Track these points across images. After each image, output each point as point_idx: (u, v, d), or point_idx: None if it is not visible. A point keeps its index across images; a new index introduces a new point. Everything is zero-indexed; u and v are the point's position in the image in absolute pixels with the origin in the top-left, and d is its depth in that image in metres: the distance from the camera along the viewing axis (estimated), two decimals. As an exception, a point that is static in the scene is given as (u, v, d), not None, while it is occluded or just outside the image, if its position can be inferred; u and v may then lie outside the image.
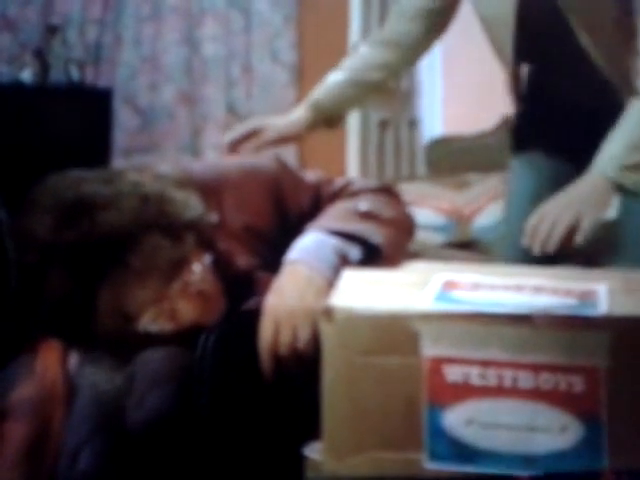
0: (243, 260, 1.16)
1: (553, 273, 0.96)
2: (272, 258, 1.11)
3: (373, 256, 1.10)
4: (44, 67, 3.12)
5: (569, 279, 0.93)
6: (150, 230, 1.06)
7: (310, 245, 1.07)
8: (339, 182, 1.24)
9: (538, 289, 0.88)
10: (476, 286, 0.89)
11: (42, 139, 2.93)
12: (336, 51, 3.46)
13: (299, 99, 3.57)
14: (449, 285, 0.89)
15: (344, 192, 1.22)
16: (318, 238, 1.08)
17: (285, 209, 1.19)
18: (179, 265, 1.08)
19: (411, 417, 0.81)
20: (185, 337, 1.06)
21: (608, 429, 0.78)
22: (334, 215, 1.15)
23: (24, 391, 0.97)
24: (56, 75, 3.17)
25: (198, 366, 0.99)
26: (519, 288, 0.88)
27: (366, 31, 3.41)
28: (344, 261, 1.06)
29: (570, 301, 0.84)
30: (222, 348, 1.00)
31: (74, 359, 1.04)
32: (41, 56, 3.12)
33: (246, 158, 1.29)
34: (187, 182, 1.15)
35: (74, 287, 1.03)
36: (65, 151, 2.84)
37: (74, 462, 0.94)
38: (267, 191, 1.17)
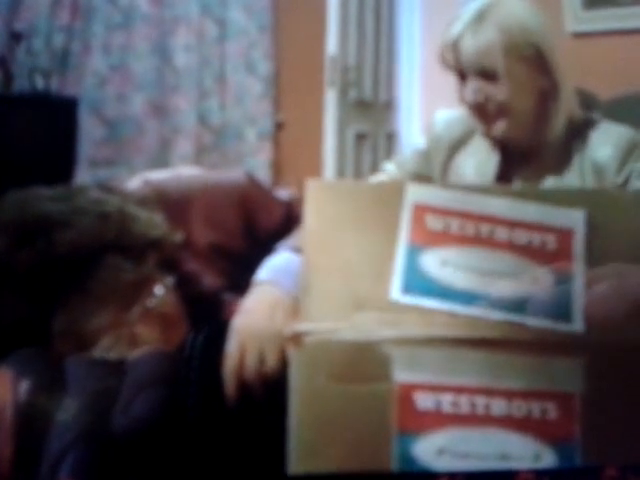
0: (209, 281, 1.13)
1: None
2: (241, 277, 1.07)
3: None
4: (7, 76, 3.06)
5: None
6: (110, 250, 1.03)
7: (280, 265, 1.04)
8: None
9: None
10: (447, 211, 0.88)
11: (5, 149, 2.87)
12: (312, 62, 3.45)
13: (274, 111, 3.55)
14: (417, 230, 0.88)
15: None
16: (288, 258, 1.04)
17: (255, 227, 1.16)
18: (140, 287, 1.05)
19: (380, 446, 0.79)
20: None
21: (582, 458, 0.77)
22: None
23: None
24: (20, 84, 3.12)
25: (186, 367, 0.97)
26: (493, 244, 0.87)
27: (343, 43, 3.38)
28: None
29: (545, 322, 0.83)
30: (211, 348, 0.98)
31: (25, 387, 0.98)
32: (4, 64, 3.06)
33: (215, 173, 1.24)
34: (151, 199, 1.12)
35: (28, 310, 1.00)
36: (29, 162, 2.80)
37: (56, 469, 0.91)
38: (236, 208, 1.15)
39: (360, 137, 3.53)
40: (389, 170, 1.46)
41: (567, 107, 1.30)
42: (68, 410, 0.94)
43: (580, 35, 2.96)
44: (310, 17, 3.42)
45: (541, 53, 1.27)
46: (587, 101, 1.36)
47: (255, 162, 3.47)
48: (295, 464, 0.80)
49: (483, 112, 1.29)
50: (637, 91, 2.60)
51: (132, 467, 0.92)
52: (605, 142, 1.30)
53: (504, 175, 1.36)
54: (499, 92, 1.27)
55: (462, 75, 1.29)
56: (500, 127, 1.30)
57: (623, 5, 2.87)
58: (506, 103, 1.27)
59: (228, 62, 3.43)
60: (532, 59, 1.27)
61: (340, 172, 3.41)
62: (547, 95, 1.29)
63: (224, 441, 0.93)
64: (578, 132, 1.32)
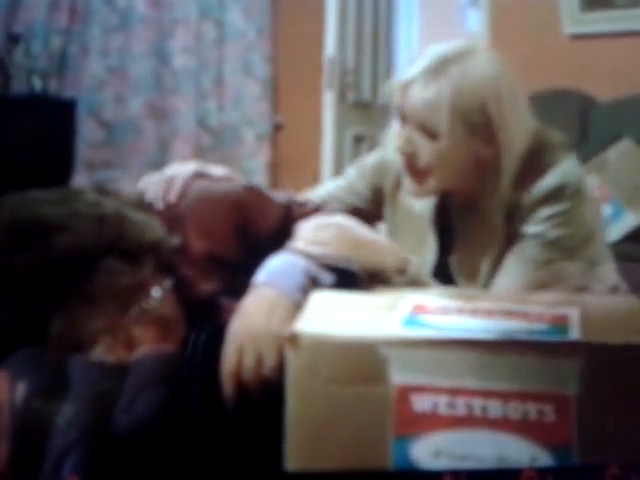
0: (206, 285, 1.12)
1: (524, 297, 0.94)
2: (240, 282, 1.05)
3: (348, 278, 1.05)
4: (5, 77, 3.06)
5: (541, 304, 0.91)
6: (107, 253, 1.02)
7: (279, 266, 1.03)
8: (312, 202, 1.22)
9: (508, 313, 0.87)
10: (445, 310, 0.88)
11: (2, 151, 2.87)
12: (310, 64, 3.45)
13: (272, 112, 3.54)
14: (418, 309, 0.88)
15: (317, 213, 1.18)
16: (288, 259, 1.04)
17: (251, 234, 1.15)
18: (137, 290, 1.04)
19: (377, 448, 0.79)
20: None
21: (579, 460, 0.77)
22: None
23: None
24: (18, 86, 3.12)
25: (188, 365, 0.96)
26: (489, 313, 0.87)
27: (341, 45, 3.38)
28: (314, 284, 1.01)
29: (541, 326, 0.83)
30: (213, 347, 0.96)
31: (23, 388, 0.98)
32: (2, 66, 3.06)
33: (212, 182, 1.23)
34: (148, 203, 1.12)
35: (25, 312, 0.99)
36: (26, 164, 2.79)
37: (58, 467, 0.90)
38: (231, 218, 1.14)
39: (358, 139, 3.52)
40: (348, 175, 1.40)
41: (509, 175, 1.17)
42: (69, 410, 0.94)
43: (578, 37, 2.97)
44: (308, 19, 3.41)
45: (491, 122, 1.15)
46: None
47: (253, 164, 3.46)
48: (292, 465, 0.80)
49: (412, 165, 1.20)
50: (635, 93, 2.60)
51: (135, 466, 0.91)
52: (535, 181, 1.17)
53: (442, 205, 1.28)
54: (430, 151, 1.17)
55: (403, 119, 1.19)
56: (428, 187, 1.21)
57: (620, 7, 2.88)
58: (435, 164, 1.17)
59: (226, 64, 3.43)
60: (479, 127, 1.15)
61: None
62: (486, 164, 1.18)
63: (227, 440, 0.93)
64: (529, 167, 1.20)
